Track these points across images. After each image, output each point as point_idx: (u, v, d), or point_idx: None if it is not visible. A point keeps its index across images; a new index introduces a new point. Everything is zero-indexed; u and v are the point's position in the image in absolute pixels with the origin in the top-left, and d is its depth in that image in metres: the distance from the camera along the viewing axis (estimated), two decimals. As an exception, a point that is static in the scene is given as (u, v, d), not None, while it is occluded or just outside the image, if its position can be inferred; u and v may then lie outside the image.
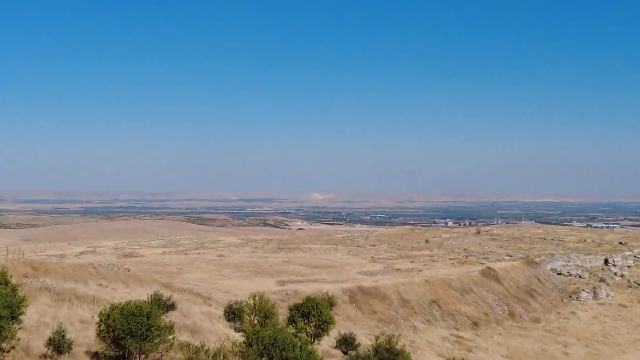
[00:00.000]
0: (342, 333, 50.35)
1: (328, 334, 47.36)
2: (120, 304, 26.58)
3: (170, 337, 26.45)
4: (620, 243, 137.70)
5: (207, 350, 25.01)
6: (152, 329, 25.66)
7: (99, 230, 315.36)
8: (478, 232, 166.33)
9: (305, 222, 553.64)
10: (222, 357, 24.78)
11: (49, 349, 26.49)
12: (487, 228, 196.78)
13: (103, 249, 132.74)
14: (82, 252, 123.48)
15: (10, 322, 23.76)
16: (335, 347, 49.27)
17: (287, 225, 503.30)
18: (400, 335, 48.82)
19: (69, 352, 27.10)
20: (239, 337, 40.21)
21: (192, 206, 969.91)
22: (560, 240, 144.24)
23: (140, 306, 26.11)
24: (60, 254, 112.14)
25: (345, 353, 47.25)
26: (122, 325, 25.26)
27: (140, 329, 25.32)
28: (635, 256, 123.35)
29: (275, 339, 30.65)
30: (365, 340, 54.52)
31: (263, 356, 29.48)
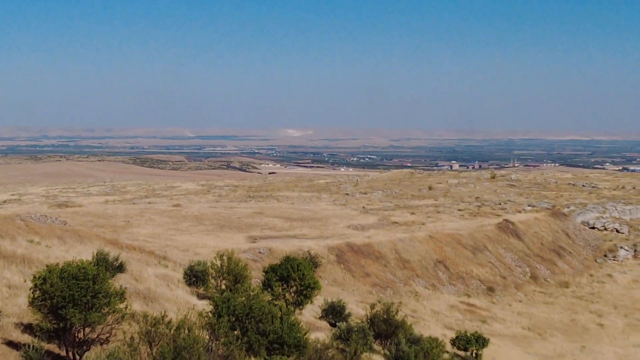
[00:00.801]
0: (329, 301, 50.42)
1: (312, 302, 47.41)
2: (58, 265, 26.15)
3: (122, 305, 26.18)
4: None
5: (169, 322, 24.78)
6: (100, 295, 25.24)
7: (24, 174, 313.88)
8: (493, 177, 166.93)
9: (278, 165, 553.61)
10: (186, 331, 24.58)
11: (-30, 320, 26.20)
12: (504, 172, 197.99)
13: (31, 196, 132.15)
14: (4, 201, 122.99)
15: None
16: (321, 318, 49.40)
17: (255, 168, 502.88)
18: (400, 303, 48.99)
19: (-4, 325, 26.83)
20: (204, 306, 40.20)
21: (138, 145, 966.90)
22: (593, 187, 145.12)
23: (84, 267, 25.68)
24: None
25: (333, 325, 47.34)
26: (62, 292, 24.83)
27: (85, 296, 24.92)
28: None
29: (250, 309, 30.49)
30: (357, 309, 54.76)
31: (235, 329, 29.37)
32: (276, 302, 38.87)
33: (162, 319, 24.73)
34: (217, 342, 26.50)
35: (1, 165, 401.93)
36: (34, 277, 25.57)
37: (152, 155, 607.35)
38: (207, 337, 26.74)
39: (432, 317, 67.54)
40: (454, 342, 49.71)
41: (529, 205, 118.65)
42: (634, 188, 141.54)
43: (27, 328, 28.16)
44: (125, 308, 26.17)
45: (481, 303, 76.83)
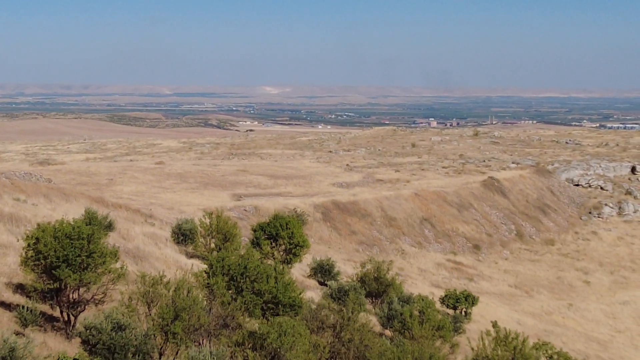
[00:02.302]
0: (318, 259, 50.20)
1: (300, 260, 47.15)
2: (50, 223, 25.66)
3: (118, 265, 25.78)
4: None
5: (167, 282, 24.36)
6: (95, 255, 24.83)
7: (0, 132, 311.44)
8: (476, 134, 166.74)
9: (256, 122, 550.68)
10: (185, 291, 24.17)
11: (-41, 281, 25.70)
12: (486, 129, 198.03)
13: (10, 154, 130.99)
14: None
15: None
16: (310, 276, 49.19)
17: (233, 125, 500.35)
18: (391, 261, 48.80)
19: (-13, 285, 26.39)
20: (194, 265, 39.85)
21: (115, 102, 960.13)
22: (576, 144, 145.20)
23: (78, 227, 25.25)
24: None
25: (322, 283, 47.18)
26: (56, 251, 24.40)
27: (80, 256, 24.48)
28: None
29: (245, 268, 30.10)
30: (344, 268, 54.65)
31: (229, 289, 29.03)
32: (269, 262, 38.62)
33: (161, 279, 24.33)
34: (215, 302, 26.13)
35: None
36: (27, 236, 25.08)
37: (129, 112, 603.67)
38: (204, 297, 26.37)
39: (420, 275, 67.57)
40: (443, 300, 49.49)
41: (513, 163, 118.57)
42: (617, 145, 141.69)
43: (18, 288, 27.79)
44: (121, 268, 25.78)
45: (467, 261, 76.94)
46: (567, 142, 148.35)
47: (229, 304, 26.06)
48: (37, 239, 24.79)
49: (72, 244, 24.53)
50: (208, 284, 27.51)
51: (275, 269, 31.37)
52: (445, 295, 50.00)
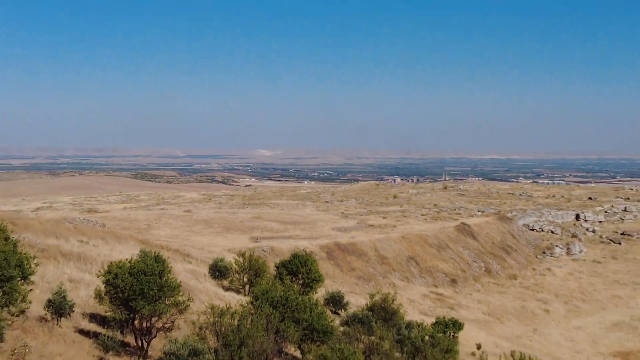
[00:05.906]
0: (330, 291, 49.28)
1: (316, 292, 46.29)
2: (123, 261, 24.72)
3: (185, 297, 24.73)
4: (590, 198, 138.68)
5: (233, 313, 23.14)
6: (165, 289, 23.92)
7: (45, 187, 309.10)
8: (445, 188, 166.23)
9: (254, 179, 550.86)
10: (249, 321, 22.96)
11: (48, 311, 24.34)
12: (453, 183, 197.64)
13: (60, 204, 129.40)
14: (38, 208, 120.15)
15: (21, 283, 21.55)
16: (323, 306, 48.06)
17: (235, 181, 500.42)
18: (396, 293, 47.74)
19: (70, 315, 25.12)
20: (231, 297, 38.71)
21: (138, 162, 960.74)
22: (529, 196, 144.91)
23: (151, 264, 24.29)
24: (16, 210, 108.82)
25: (333, 312, 46.12)
26: (132, 286, 23.43)
27: (152, 289, 23.51)
28: (606, 211, 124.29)
29: (287, 299, 29.29)
30: (348, 298, 53.42)
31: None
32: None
33: (227, 310, 23.14)
34: (270, 330, 24.93)
35: (26, 180, 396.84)
36: (106, 272, 24.11)
37: (149, 171, 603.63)
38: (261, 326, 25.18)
39: (409, 305, 66.29)
40: (434, 325, 48.44)
41: (479, 211, 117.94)
42: (563, 197, 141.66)
43: (92, 317, 26.81)
44: (188, 300, 24.72)
45: (447, 293, 75.75)
46: (520, 194, 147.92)
47: (284, 332, 24.91)
48: (115, 274, 23.82)
49: (146, 279, 23.60)
50: (267, 314, 26.26)
51: (310, 300, 30.50)
52: (436, 322, 48.94)
